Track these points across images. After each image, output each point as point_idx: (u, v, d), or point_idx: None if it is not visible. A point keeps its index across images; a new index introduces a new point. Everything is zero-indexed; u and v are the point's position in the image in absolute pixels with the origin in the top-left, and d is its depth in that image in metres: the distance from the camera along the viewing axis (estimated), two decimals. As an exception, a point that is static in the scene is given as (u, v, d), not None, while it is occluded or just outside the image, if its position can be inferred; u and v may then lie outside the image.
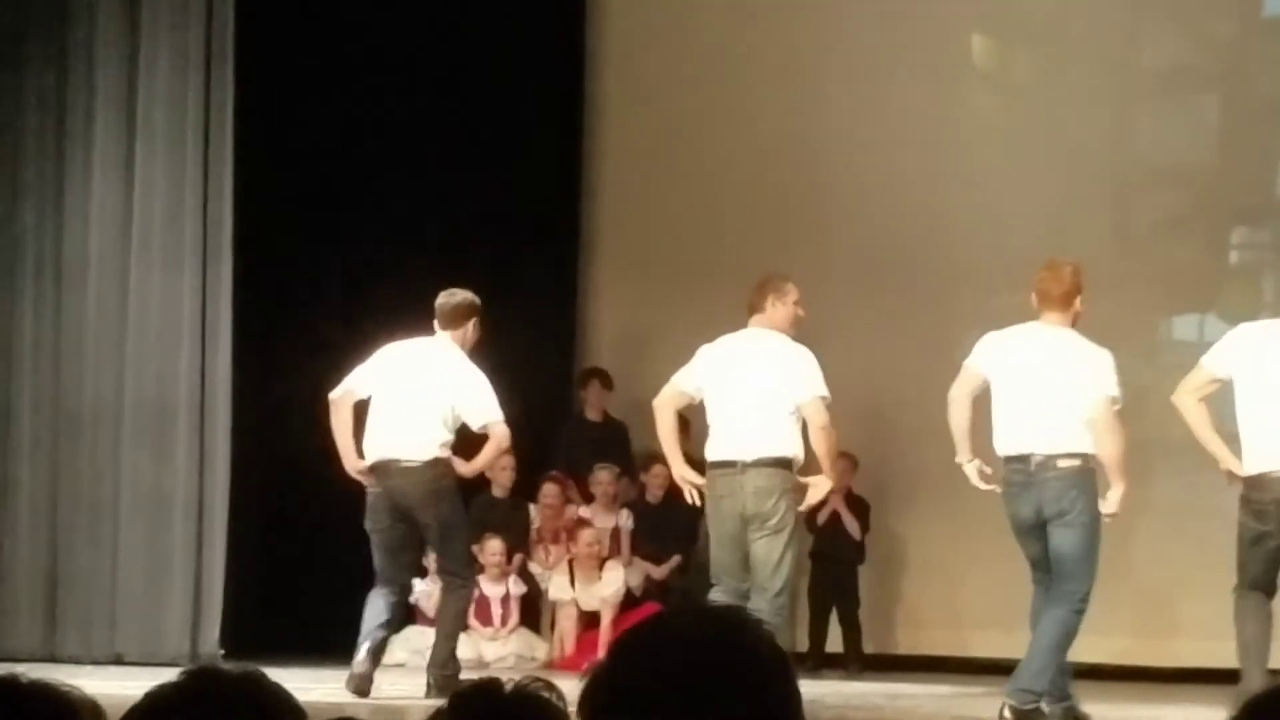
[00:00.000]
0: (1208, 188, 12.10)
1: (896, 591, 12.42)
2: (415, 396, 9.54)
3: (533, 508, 12.32)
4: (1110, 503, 8.47)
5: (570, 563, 12.01)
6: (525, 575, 12.11)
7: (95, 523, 11.06)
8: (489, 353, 9.92)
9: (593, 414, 12.78)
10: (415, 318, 9.85)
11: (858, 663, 11.83)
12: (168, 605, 10.95)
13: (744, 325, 9.21)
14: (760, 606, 8.63)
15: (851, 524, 12.02)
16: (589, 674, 2.27)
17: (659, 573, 12.21)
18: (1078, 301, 8.59)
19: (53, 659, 10.65)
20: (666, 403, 9.22)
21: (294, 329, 11.55)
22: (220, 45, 11.04)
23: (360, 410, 9.65)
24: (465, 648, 10.52)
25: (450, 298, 9.76)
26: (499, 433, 9.61)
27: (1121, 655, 11.09)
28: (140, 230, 11.13)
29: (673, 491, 12.16)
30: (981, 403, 8.62)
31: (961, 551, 11.85)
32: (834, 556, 11.95)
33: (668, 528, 12.06)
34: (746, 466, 8.93)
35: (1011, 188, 12.19)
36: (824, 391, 8.99)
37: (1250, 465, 8.39)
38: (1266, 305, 11.62)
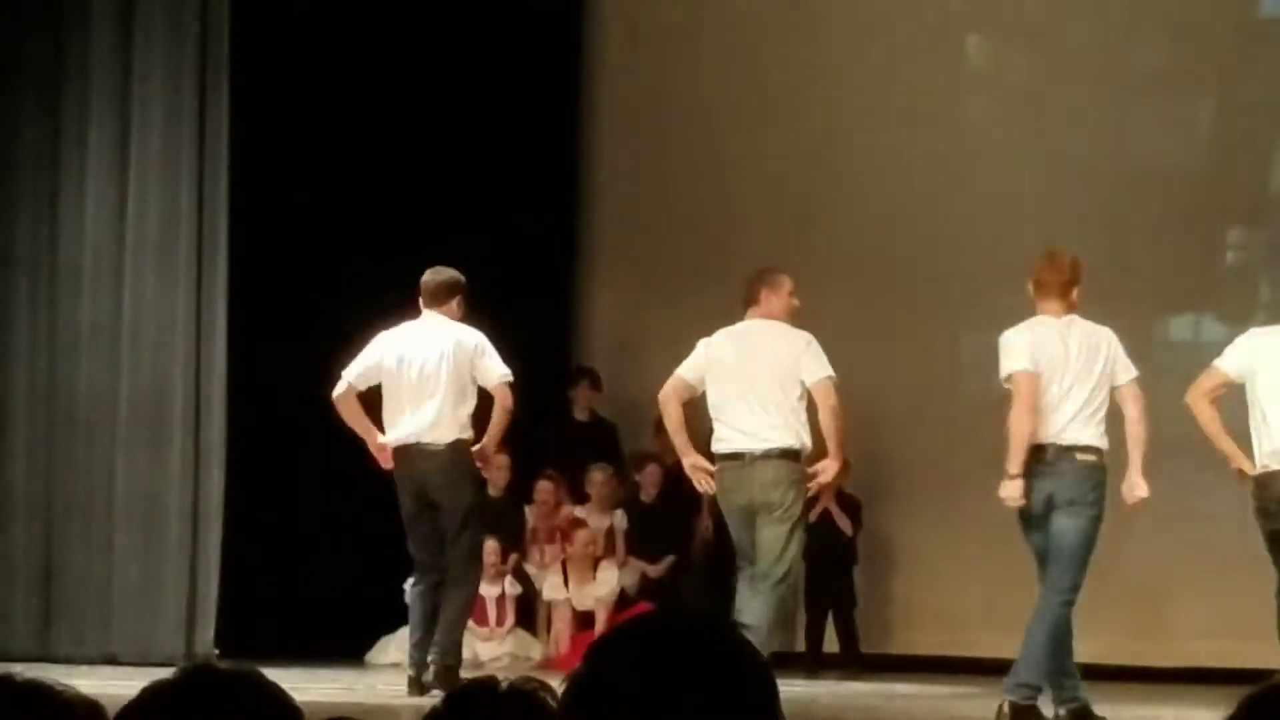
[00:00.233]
0: (1203, 189, 12.10)
1: (894, 592, 12.42)
2: (428, 377, 9.50)
3: (527, 508, 12.32)
4: (1139, 485, 8.47)
5: (564, 563, 12.01)
6: (520, 575, 12.11)
7: (90, 523, 11.07)
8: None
9: (580, 414, 12.78)
10: (412, 319, 9.83)
11: (855, 663, 11.84)
12: (162, 605, 10.95)
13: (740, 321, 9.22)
14: (761, 590, 8.68)
15: (843, 521, 12.03)
16: (568, 676, 2.28)
17: (655, 571, 12.20)
18: (1075, 292, 8.59)
19: (46, 659, 10.64)
20: (672, 395, 9.20)
21: (289, 333, 11.53)
22: (215, 52, 11.07)
23: (364, 400, 9.63)
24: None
25: (436, 274, 9.73)
26: (504, 394, 9.55)
27: (1115, 655, 11.07)
28: (135, 235, 11.15)
29: (665, 491, 12.22)
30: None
31: (957, 552, 11.85)
32: (825, 555, 11.94)
33: (661, 527, 12.06)
34: (755, 459, 8.92)
35: (1006, 189, 12.19)
36: (832, 372, 8.99)
37: (1260, 465, 8.42)
38: (1261, 306, 11.63)
